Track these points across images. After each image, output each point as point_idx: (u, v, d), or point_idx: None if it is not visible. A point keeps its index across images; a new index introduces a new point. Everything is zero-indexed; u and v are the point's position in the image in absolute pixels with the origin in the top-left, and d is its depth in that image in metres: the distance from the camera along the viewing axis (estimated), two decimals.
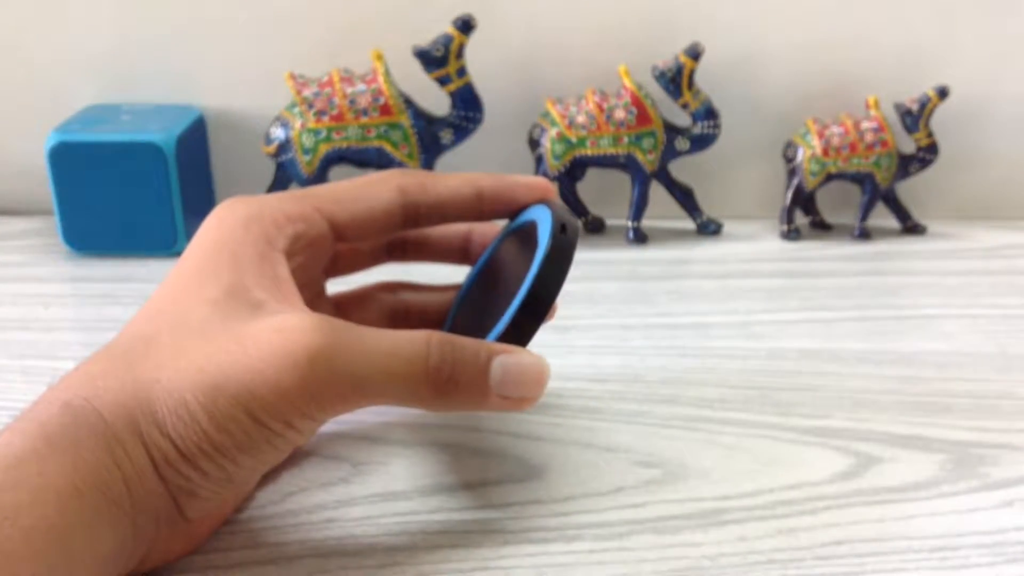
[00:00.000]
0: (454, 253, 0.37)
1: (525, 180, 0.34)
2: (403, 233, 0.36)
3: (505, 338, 0.30)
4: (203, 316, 0.27)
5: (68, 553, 0.23)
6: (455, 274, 0.38)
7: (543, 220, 0.32)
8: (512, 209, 0.34)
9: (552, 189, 0.34)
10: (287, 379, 0.25)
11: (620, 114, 0.55)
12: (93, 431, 0.25)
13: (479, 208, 0.34)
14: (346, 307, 0.37)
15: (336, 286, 0.37)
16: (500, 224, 0.36)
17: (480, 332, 0.30)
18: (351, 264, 0.37)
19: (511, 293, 0.31)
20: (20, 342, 0.43)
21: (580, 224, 0.32)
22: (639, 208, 0.57)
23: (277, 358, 0.26)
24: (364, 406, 0.28)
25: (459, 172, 0.34)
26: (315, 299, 0.35)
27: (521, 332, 0.30)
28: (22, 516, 0.23)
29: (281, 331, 0.26)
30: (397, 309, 0.37)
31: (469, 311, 0.35)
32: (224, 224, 0.30)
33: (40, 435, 0.25)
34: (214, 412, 0.25)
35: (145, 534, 0.26)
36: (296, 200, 0.31)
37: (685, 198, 0.58)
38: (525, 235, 0.33)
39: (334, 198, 0.32)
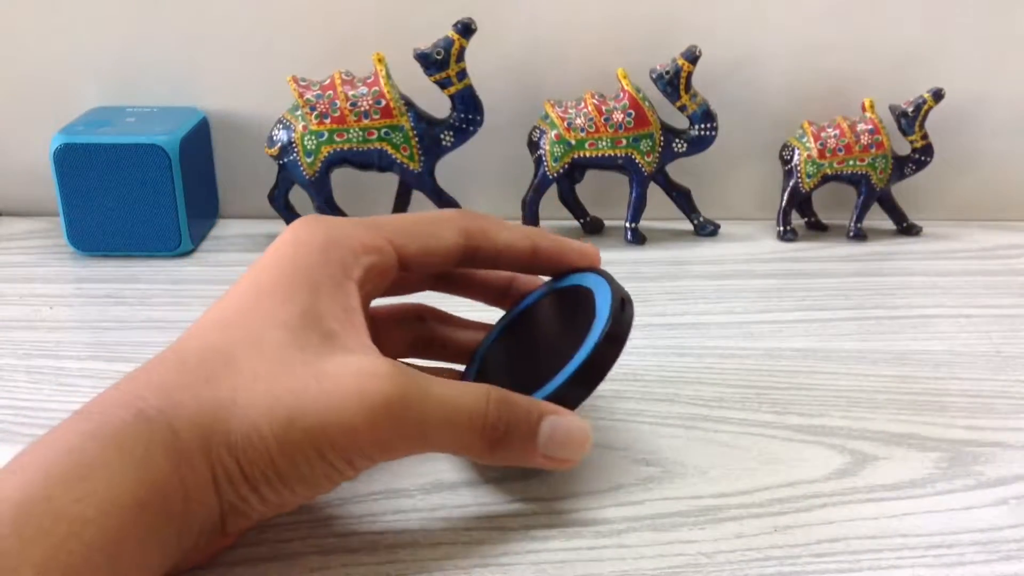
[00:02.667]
0: (494, 295, 0.38)
1: (580, 246, 0.36)
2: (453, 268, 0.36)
3: (554, 399, 0.31)
4: (278, 341, 0.28)
5: (118, 566, 0.24)
6: (475, 309, 0.39)
7: (600, 291, 0.33)
8: (562, 270, 0.36)
9: (600, 258, 0.36)
10: (360, 424, 0.27)
11: (618, 116, 0.55)
12: (165, 446, 0.25)
13: (532, 263, 0.35)
14: (376, 323, 0.36)
15: None
16: (542, 278, 0.37)
17: (522, 384, 0.31)
18: (398, 289, 0.37)
19: (562, 355, 0.32)
20: (25, 342, 0.44)
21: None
22: (637, 209, 0.57)
23: (353, 402, 0.27)
24: (422, 452, 0.29)
25: (518, 224, 0.35)
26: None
27: (571, 397, 0.31)
28: (87, 531, 0.23)
29: (359, 375, 0.27)
30: (422, 336, 0.38)
31: (504, 359, 0.35)
32: (303, 244, 0.31)
33: (114, 444, 0.25)
34: (285, 444, 0.26)
35: (185, 545, 0.27)
36: (372, 230, 0.32)
37: (683, 199, 0.59)
38: (576, 298, 0.34)
39: (405, 232, 0.33)
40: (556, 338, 0.33)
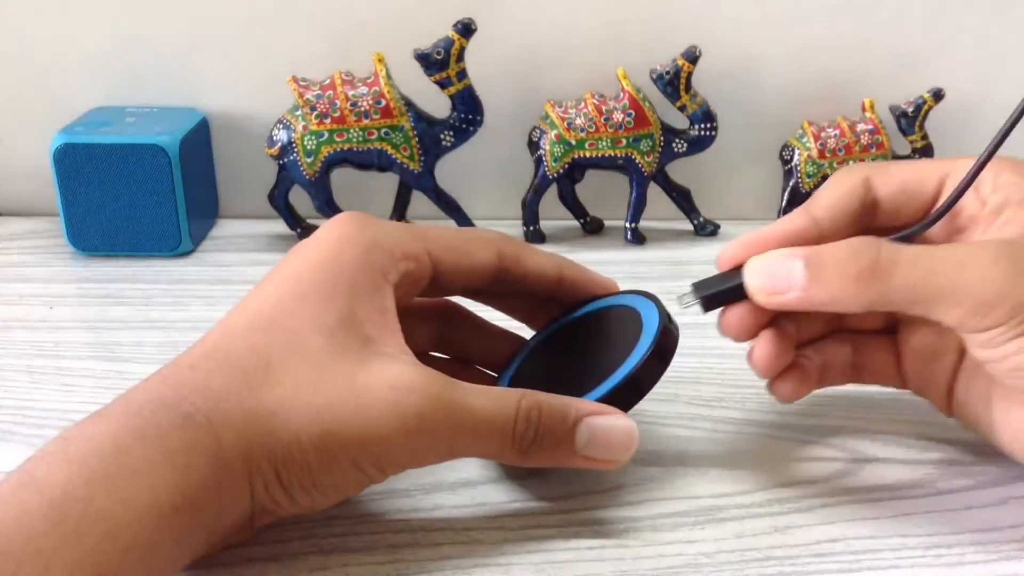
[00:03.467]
0: (523, 312, 0.38)
1: (602, 279, 0.37)
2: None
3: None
4: (319, 347, 0.28)
5: (150, 566, 0.24)
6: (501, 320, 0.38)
7: (647, 311, 0.34)
8: (583, 298, 0.36)
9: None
10: (395, 437, 0.28)
11: (618, 116, 0.55)
12: (208, 454, 0.26)
13: (557, 289, 0.36)
14: (401, 317, 0.35)
15: None
16: None
17: (563, 392, 0.31)
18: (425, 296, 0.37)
19: (607, 366, 0.32)
20: (26, 342, 0.44)
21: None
22: (637, 209, 0.57)
23: (391, 417, 0.27)
24: (453, 459, 0.30)
25: (549, 254, 0.36)
26: None
27: (615, 404, 0.31)
28: (124, 533, 0.24)
29: (395, 389, 0.28)
30: (445, 337, 0.37)
31: (542, 367, 0.35)
32: (347, 242, 0.31)
33: (159, 446, 0.25)
34: (323, 455, 0.27)
35: (213, 542, 0.27)
36: (412, 237, 0.32)
37: (683, 199, 0.59)
38: (623, 317, 0.34)
39: (444, 244, 0.33)
40: (600, 350, 0.34)
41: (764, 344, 0.33)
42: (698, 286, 0.33)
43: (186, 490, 0.25)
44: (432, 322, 0.37)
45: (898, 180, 0.34)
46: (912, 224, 0.33)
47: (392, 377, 0.28)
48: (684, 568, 0.29)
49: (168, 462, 0.25)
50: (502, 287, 0.35)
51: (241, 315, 0.30)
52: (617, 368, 0.32)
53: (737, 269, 0.32)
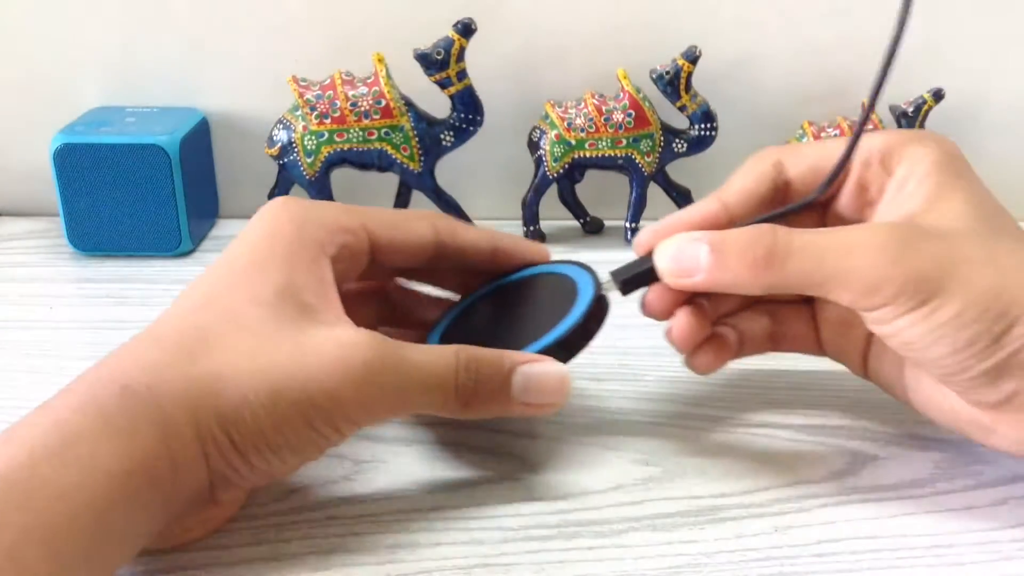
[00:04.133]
0: (459, 285, 0.39)
1: (536, 247, 0.38)
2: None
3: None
4: (257, 316, 0.29)
5: (106, 531, 0.25)
6: None
7: (582, 280, 0.35)
8: (517, 267, 0.38)
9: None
10: (344, 390, 0.28)
11: (618, 117, 0.55)
12: (151, 420, 0.26)
13: (492, 260, 0.37)
14: (343, 301, 0.37)
15: None
16: None
17: (498, 347, 0.32)
18: (365, 279, 0.38)
19: (541, 324, 0.33)
20: (25, 342, 0.44)
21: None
22: (637, 209, 0.57)
23: (336, 370, 0.28)
24: (403, 415, 0.32)
25: (481, 228, 0.37)
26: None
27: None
28: (73, 496, 0.24)
29: (339, 345, 0.28)
30: (385, 314, 0.39)
31: (474, 326, 0.36)
32: (279, 221, 0.32)
33: (98, 416, 0.26)
34: (274, 414, 0.27)
35: (174, 512, 0.27)
36: (347, 213, 0.33)
37: (683, 199, 0.59)
38: (557, 284, 0.36)
39: (380, 220, 0.34)
40: (533, 312, 0.35)
41: (681, 321, 0.35)
42: (616, 272, 0.34)
43: (133, 453, 0.25)
44: (372, 303, 0.38)
45: (808, 160, 0.35)
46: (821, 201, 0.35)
47: (335, 336, 0.29)
48: (684, 568, 0.29)
49: (109, 430, 0.25)
50: (439, 262, 0.36)
51: (179, 301, 0.30)
52: (551, 328, 0.33)
53: (651, 254, 0.33)
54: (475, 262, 0.37)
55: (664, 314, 0.35)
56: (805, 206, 0.34)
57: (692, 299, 0.35)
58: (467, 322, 0.37)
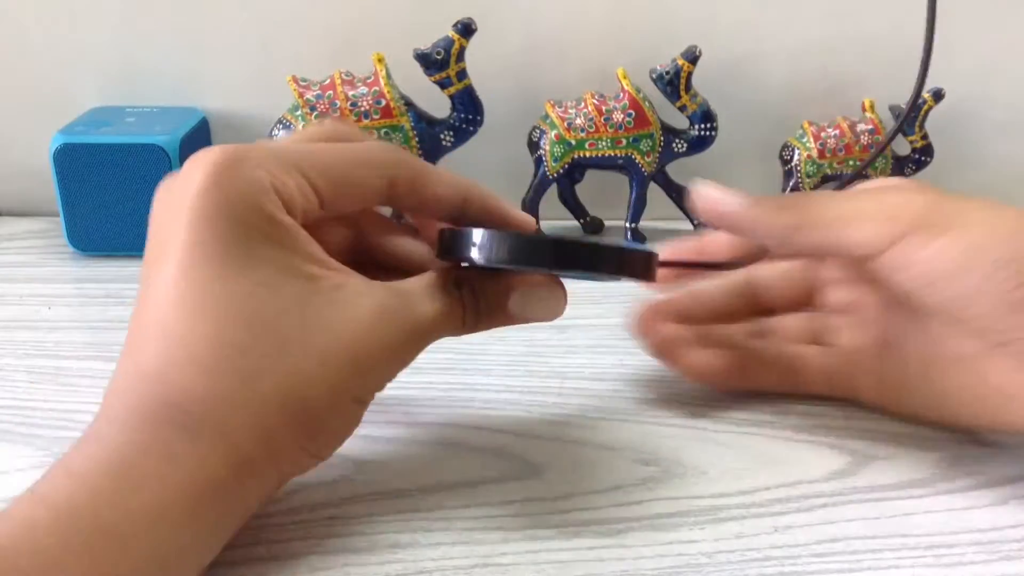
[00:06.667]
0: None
1: (518, 215, 0.33)
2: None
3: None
4: (276, 305, 0.27)
5: (171, 569, 0.25)
6: None
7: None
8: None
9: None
10: (383, 357, 0.29)
11: (618, 116, 0.55)
12: (223, 456, 0.26)
13: (461, 214, 0.33)
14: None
15: None
16: None
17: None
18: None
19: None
20: (25, 342, 0.44)
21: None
22: (637, 209, 0.57)
23: (374, 347, 0.28)
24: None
25: (457, 180, 0.32)
26: None
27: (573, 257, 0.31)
28: (133, 546, 0.24)
29: (370, 314, 0.28)
30: (358, 249, 0.34)
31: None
32: (230, 198, 0.28)
33: (165, 455, 0.25)
34: (334, 404, 0.28)
35: (240, 525, 0.29)
36: (283, 170, 0.28)
37: (683, 199, 0.59)
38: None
39: (323, 173, 0.29)
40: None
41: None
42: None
43: (204, 494, 0.25)
44: (340, 236, 0.34)
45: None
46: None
47: (354, 313, 0.28)
48: (684, 568, 0.29)
49: (175, 469, 0.25)
50: (400, 209, 0.33)
51: (176, 308, 0.27)
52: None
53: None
54: (440, 216, 0.33)
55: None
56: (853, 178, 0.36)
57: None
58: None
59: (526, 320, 0.33)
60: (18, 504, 0.24)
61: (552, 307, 0.32)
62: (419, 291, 0.30)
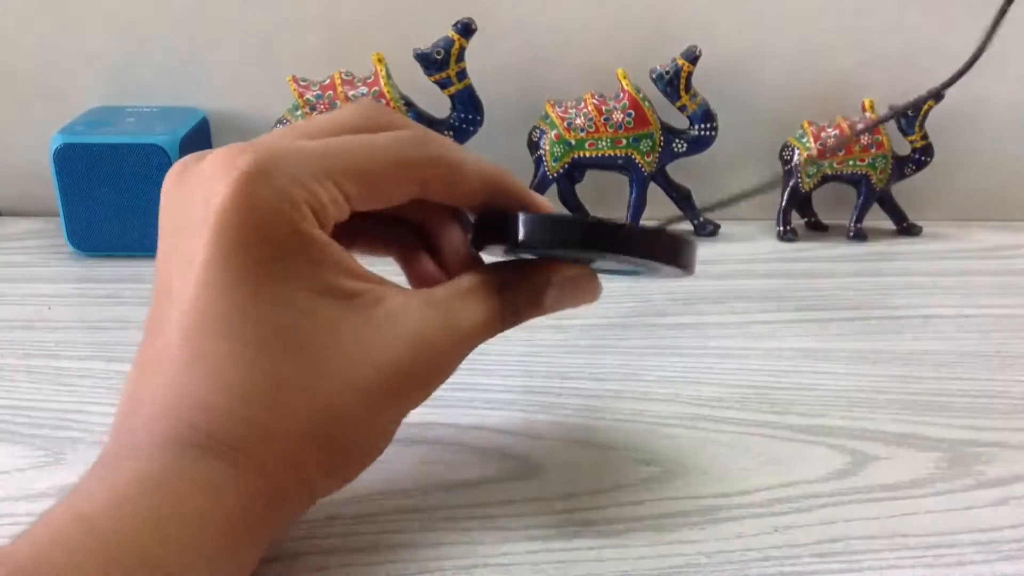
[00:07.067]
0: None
1: (544, 204, 0.32)
2: None
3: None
4: (311, 329, 0.26)
5: None
6: None
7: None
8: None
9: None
10: (418, 383, 0.29)
11: (618, 116, 0.55)
12: (262, 493, 0.26)
13: (485, 203, 0.31)
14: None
15: None
16: None
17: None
18: None
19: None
20: (25, 342, 0.44)
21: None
22: (637, 209, 0.57)
23: (412, 378, 0.28)
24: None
25: (482, 167, 0.30)
26: None
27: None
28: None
29: (398, 345, 0.27)
30: (408, 248, 0.33)
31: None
32: (261, 215, 0.25)
33: (208, 492, 0.25)
34: (370, 428, 0.28)
35: (273, 543, 0.28)
36: (316, 181, 0.27)
37: (682, 199, 0.59)
38: None
39: (356, 178, 0.28)
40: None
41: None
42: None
43: (241, 527, 0.25)
44: (390, 237, 0.33)
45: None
46: None
47: (393, 335, 0.27)
48: (684, 568, 0.29)
49: (217, 504, 0.25)
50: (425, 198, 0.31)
51: (204, 331, 0.26)
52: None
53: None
54: (467, 206, 0.32)
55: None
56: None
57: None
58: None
59: (557, 311, 0.32)
60: (61, 519, 0.23)
61: (589, 297, 0.32)
62: (460, 300, 0.29)
